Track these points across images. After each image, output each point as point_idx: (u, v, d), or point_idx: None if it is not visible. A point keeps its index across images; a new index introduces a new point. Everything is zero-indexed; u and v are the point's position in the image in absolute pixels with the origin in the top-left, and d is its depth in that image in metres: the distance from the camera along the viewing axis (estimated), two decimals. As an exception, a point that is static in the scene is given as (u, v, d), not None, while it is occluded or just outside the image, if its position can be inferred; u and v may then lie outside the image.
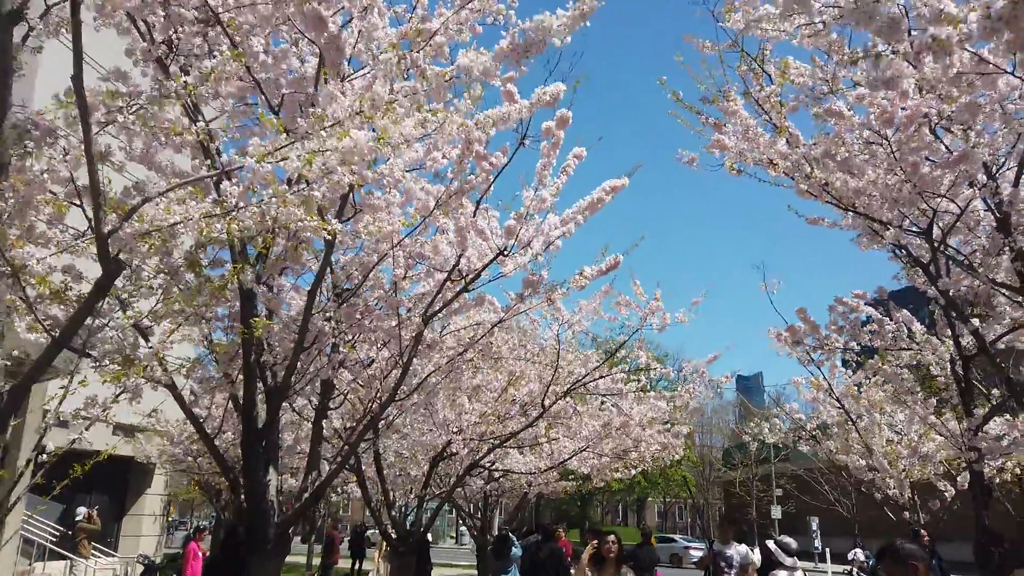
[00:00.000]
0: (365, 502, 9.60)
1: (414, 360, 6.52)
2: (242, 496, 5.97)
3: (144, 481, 21.14)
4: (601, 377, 9.06)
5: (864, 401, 11.16)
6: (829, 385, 11.44)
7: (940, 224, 5.88)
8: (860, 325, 8.87)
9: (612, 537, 6.78)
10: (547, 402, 9.05)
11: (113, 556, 18.97)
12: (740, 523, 8.39)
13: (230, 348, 6.09)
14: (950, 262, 6.32)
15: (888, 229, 5.66)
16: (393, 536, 9.48)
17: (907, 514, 10.79)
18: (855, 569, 18.89)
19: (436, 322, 7.69)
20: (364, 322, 6.10)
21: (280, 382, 5.83)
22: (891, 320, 8.81)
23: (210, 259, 5.39)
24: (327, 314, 5.73)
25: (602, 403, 9.78)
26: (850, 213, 6.07)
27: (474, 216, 6.11)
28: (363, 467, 9.64)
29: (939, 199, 5.52)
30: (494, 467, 10.46)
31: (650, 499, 65.16)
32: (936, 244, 5.72)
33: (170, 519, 32.35)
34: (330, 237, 4.59)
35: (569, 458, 10.09)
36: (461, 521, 13.81)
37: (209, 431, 6.40)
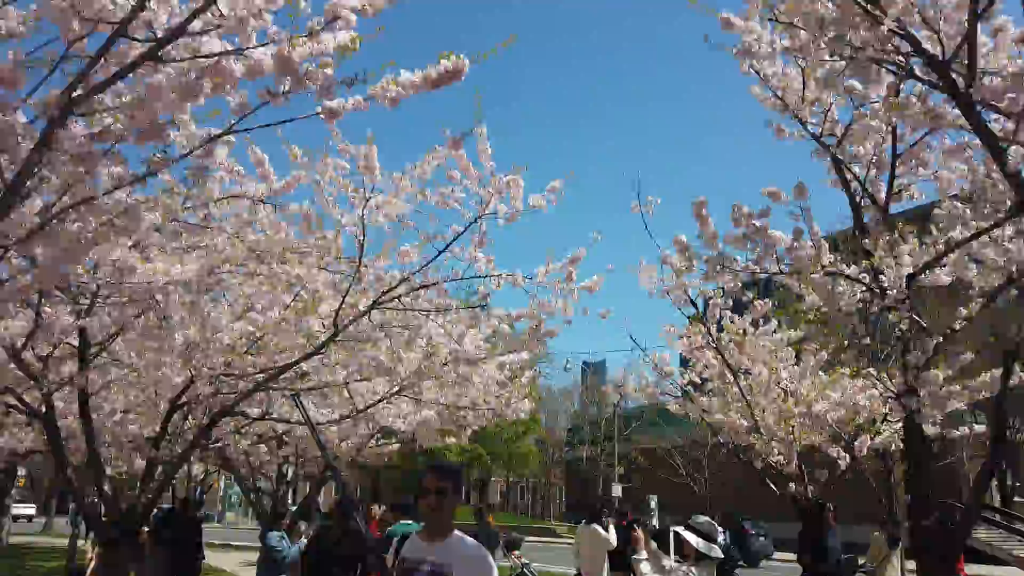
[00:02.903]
0: (58, 467, 6.34)
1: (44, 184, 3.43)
2: None
3: None
4: (423, 287, 6.29)
5: (749, 350, 9.15)
6: (709, 330, 9.37)
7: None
8: (765, 235, 6.65)
9: None
10: (342, 320, 6.16)
11: None
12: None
13: None
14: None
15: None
16: (102, 519, 6.29)
17: (793, 486, 8.89)
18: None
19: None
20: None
21: None
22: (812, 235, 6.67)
23: None
24: None
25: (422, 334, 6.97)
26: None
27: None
28: (56, 415, 6.34)
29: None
30: (268, 417, 7.42)
31: (494, 479, 63.80)
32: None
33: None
34: None
35: (377, 403, 7.22)
36: (246, 497, 10.60)
37: None
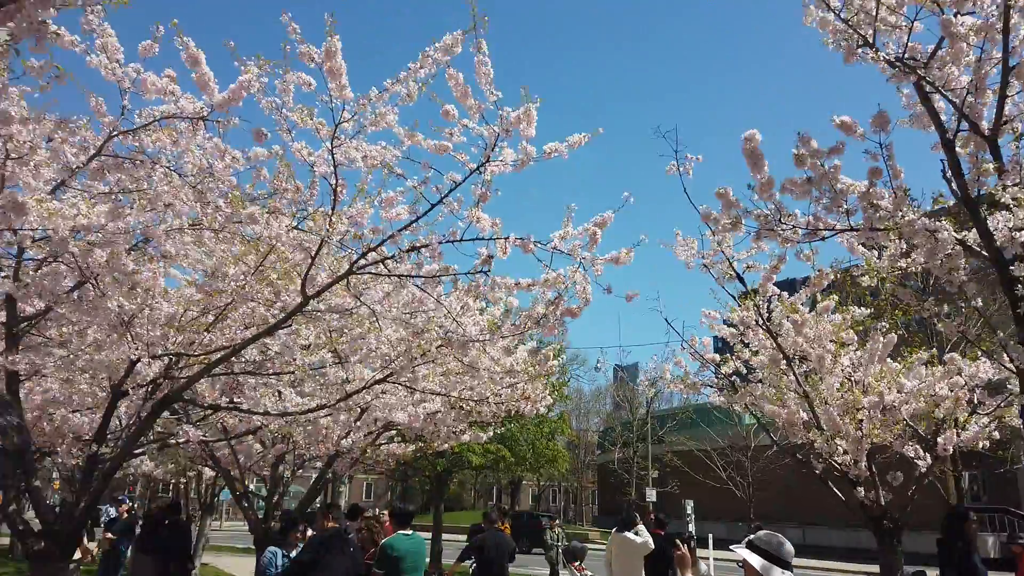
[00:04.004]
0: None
1: None
2: None
3: None
4: (412, 249, 5.14)
5: (810, 330, 7.80)
6: (759, 308, 8.08)
7: None
8: (835, 179, 5.35)
9: None
10: (312, 286, 5.01)
11: None
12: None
13: None
14: None
15: None
16: (29, 528, 5.22)
17: (861, 491, 7.54)
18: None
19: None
20: None
21: None
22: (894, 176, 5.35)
23: None
24: None
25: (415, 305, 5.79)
26: None
27: None
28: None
29: None
30: (235, 406, 6.29)
31: (525, 482, 62.49)
32: None
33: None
34: None
35: (361, 390, 6.05)
36: (236, 501, 9.46)
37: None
